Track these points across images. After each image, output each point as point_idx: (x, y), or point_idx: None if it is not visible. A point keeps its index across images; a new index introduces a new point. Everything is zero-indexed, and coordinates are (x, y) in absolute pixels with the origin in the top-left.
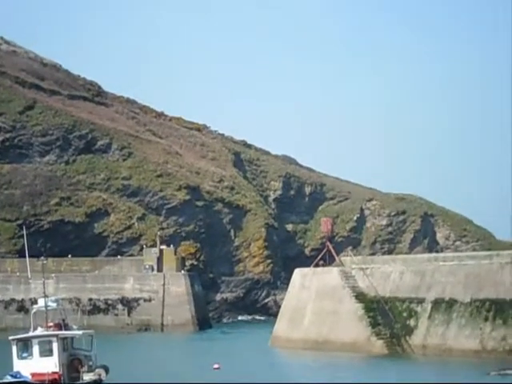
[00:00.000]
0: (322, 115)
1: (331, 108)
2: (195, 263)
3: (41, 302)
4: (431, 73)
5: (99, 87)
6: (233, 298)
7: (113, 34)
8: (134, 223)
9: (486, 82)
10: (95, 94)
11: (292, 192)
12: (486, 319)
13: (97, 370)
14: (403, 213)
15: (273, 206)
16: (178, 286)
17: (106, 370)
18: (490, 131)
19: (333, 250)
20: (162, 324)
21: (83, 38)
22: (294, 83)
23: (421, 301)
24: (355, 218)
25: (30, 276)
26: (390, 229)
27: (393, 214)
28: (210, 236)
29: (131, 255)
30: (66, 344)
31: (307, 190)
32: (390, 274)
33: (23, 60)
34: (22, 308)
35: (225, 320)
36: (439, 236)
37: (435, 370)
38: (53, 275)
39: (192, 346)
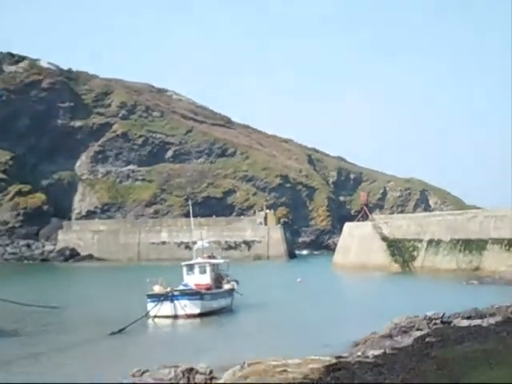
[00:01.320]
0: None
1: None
2: (286, 220)
3: (199, 243)
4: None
5: (229, 118)
6: (309, 240)
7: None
8: (249, 197)
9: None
10: (226, 122)
11: (342, 178)
12: (460, 251)
13: (231, 283)
14: (408, 189)
15: (331, 186)
16: (276, 233)
17: (237, 282)
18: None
19: (367, 212)
20: (268, 256)
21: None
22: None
23: (420, 240)
24: (380, 192)
25: (192, 228)
26: (401, 198)
27: (403, 189)
28: (295, 204)
29: (249, 216)
30: (214, 267)
31: (352, 176)
32: (402, 225)
33: (185, 104)
34: (187, 247)
35: (304, 253)
36: (431, 202)
37: (430, 280)
38: (205, 227)
39: (285, 268)
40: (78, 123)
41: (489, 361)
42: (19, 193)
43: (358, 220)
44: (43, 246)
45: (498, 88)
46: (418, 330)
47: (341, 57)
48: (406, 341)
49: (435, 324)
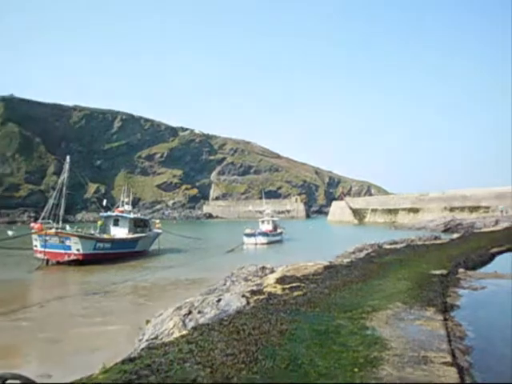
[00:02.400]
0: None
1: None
2: (305, 201)
3: (266, 211)
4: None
5: (278, 154)
6: (316, 209)
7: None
8: (288, 190)
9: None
10: (277, 156)
11: (331, 181)
12: (386, 214)
13: (281, 229)
14: (362, 185)
15: (326, 185)
16: (301, 207)
17: (284, 228)
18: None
19: (343, 197)
20: (297, 216)
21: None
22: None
23: (367, 209)
24: (348, 187)
25: (264, 203)
26: (358, 190)
27: (359, 186)
28: (309, 193)
29: (288, 199)
30: (273, 221)
31: (335, 179)
32: (359, 202)
33: (258, 147)
34: (260, 212)
35: (314, 216)
36: (373, 191)
37: (372, 228)
38: (268, 203)
39: (304, 222)
40: (211, 157)
41: (400, 263)
42: (186, 188)
43: (337, 200)
44: (197, 212)
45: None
46: (366, 250)
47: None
48: (361, 255)
49: (375, 247)
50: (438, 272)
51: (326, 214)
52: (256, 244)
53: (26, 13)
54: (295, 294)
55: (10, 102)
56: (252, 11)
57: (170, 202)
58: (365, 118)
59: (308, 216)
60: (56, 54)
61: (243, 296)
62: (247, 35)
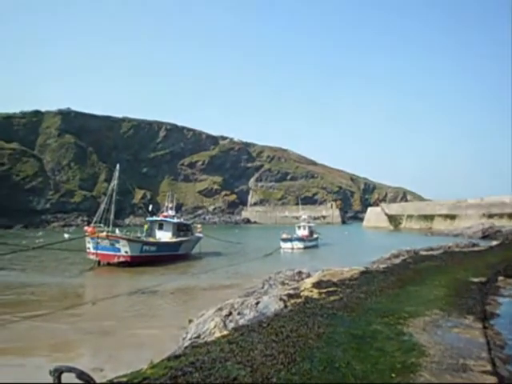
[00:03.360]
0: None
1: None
2: (341, 207)
3: (302, 216)
4: None
5: (314, 161)
6: (351, 215)
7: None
8: (324, 196)
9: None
10: (313, 162)
11: (366, 187)
12: (422, 220)
13: (317, 234)
14: (397, 192)
15: (361, 191)
16: (336, 212)
17: (320, 234)
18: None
19: (378, 202)
20: (332, 222)
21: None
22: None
23: (403, 215)
24: (384, 194)
25: (300, 208)
26: (393, 196)
27: (394, 192)
28: (345, 199)
29: (324, 204)
30: (309, 227)
31: (371, 186)
32: (394, 208)
33: (294, 154)
34: (296, 218)
35: (349, 222)
36: (408, 198)
37: (408, 234)
38: (304, 209)
39: (340, 228)
40: (249, 165)
41: (437, 270)
42: (225, 195)
43: (373, 206)
44: (235, 217)
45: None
46: (402, 256)
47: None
48: (397, 261)
49: (411, 253)
50: (476, 279)
51: (362, 219)
52: (292, 249)
53: (79, 36)
54: (332, 298)
55: (67, 115)
56: (294, 22)
57: (211, 208)
58: (400, 123)
59: (343, 222)
60: (106, 69)
61: (281, 299)
62: (284, 44)
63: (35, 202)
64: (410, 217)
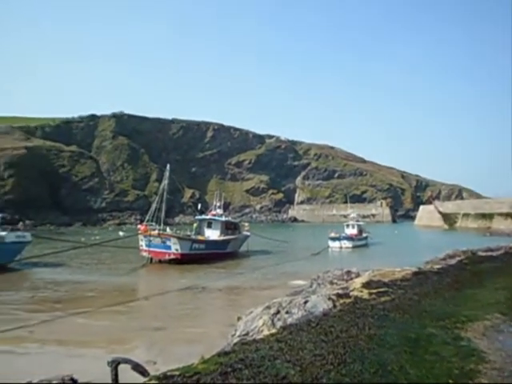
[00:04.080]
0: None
1: None
2: (391, 205)
3: (351, 215)
4: None
5: (363, 158)
6: (402, 213)
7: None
8: (373, 194)
9: None
10: (362, 160)
11: (419, 184)
12: (479, 218)
13: (366, 233)
14: (452, 189)
15: (413, 188)
16: (386, 211)
17: (369, 232)
18: None
19: (431, 200)
20: (382, 221)
21: None
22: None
23: (458, 213)
24: (437, 191)
25: (348, 206)
26: (448, 193)
27: (449, 189)
28: (395, 197)
29: (373, 203)
30: (358, 225)
31: (423, 183)
32: (449, 206)
33: (342, 151)
34: (344, 216)
35: (400, 220)
36: (464, 195)
37: (464, 233)
38: (353, 207)
39: (390, 227)
40: (296, 163)
41: (498, 272)
42: (272, 193)
43: (425, 204)
44: (282, 215)
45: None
46: (458, 256)
47: None
48: (453, 262)
49: (468, 254)
50: None
51: (413, 218)
52: (341, 248)
53: (131, 45)
54: (382, 299)
55: (120, 118)
56: (339, 20)
57: (258, 206)
58: (454, 119)
59: (394, 220)
60: (156, 73)
61: (329, 299)
62: (328, 41)
63: (92, 201)
64: (466, 215)
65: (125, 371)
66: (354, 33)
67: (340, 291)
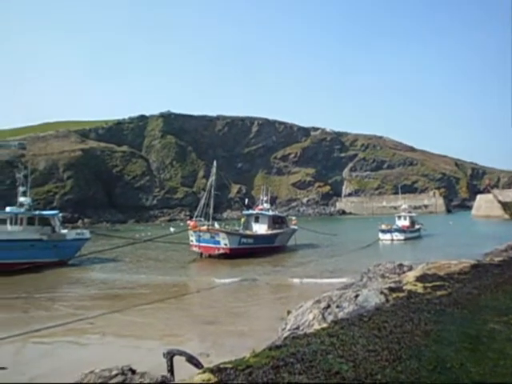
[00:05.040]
0: None
1: None
2: (445, 195)
3: (403, 206)
4: None
5: (412, 146)
6: (457, 203)
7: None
8: (425, 184)
9: None
10: (411, 148)
11: (475, 172)
12: None
13: (419, 225)
14: None
15: (468, 177)
16: (440, 201)
17: (422, 224)
18: None
19: (489, 189)
20: (436, 211)
21: None
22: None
23: None
24: (496, 179)
25: (399, 197)
26: (508, 181)
27: (509, 177)
28: (449, 186)
29: (425, 193)
30: (410, 217)
31: (480, 171)
32: (510, 195)
33: (390, 141)
34: (395, 208)
35: (455, 210)
36: None
37: None
38: (404, 198)
39: (444, 218)
40: (342, 154)
41: None
42: (319, 186)
43: (483, 192)
44: (330, 208)
45: None
46: None
47: None
48: None
49: None
50: None
51: (470, 208)
52: (392, 240)
53: (175, 44)
54: (438, 293)
55: (168, 117)
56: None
57: (305, 200)
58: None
59: (448, 211)
60: (199, 72)
61: (381, 293)
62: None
63: (144, 198)
64: None
65: (179, 363)
66: (399, 19)
67: (392, 285)
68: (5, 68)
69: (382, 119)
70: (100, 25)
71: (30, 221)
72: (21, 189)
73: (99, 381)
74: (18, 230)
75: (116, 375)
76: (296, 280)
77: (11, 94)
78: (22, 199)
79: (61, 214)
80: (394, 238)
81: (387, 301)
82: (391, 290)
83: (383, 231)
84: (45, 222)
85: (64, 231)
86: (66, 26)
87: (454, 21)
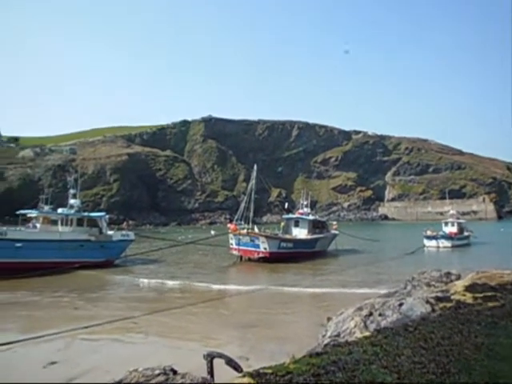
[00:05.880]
0: None
1: None
2: (495, 200)
3: (450, 212)
4: None
5: (461, 150)
6: (509, 209)
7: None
8: (474, 189)
9: None
10: (459, 152)
11: None
12: None
13: (468, 232)
14: None
15: None
16: (490, 207)
17: (472, 231)
18: None
19: None
20: (486, 218)
21: None
22: None
23: None
24: None
25: (447, 203)
26: None
27: None
28: (500, 192)
29: (474, 198)
30: (458, 223)
31: None
32: None
33: (434, 144)
34: (441, 213)
35: (504, 216)
36: None
37: None
38: (452, 204)
39: (494, 224)
40: (385, 158)
41: None
42: (360, 190)
43: None
44: (372, 213)
45: None
46: None
47: None
48: None
49: None
50: None
51: None
52: (438, 247)
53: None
54: (490, 304)
55: (209, 122)
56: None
57: (345, 204)
58: None
59: (499, 217)
60: (239, 77)
61: (427, 302)
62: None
63: (186, 202)
64: None
65: (219, 365)
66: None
67: (439, 294)
68: (57, 81)
69: (427, 122)
70: (142, 32)
71: (80, 222)
72: (71, 191)
73: (142, 379)
74: (68, 230)
75: (158, 374)
76: (334, 287)
77: (64, 102)
78: (72, 201)
79: (107, 216)
80: (440, 244)
81: (433, 310)
82: (438, 299)
83: (428, 237)
84: (93, 223)
85: (110, 232)
86: (111, 35)
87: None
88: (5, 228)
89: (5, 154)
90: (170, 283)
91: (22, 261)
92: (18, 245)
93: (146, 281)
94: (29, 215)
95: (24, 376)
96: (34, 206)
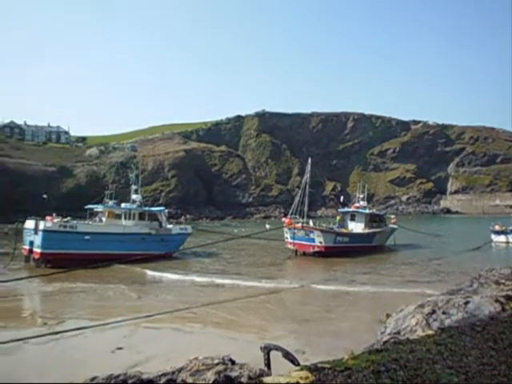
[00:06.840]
0: None
1: None
2: None
3: None
4: None
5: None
6: None
7: None
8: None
9: None
10: None
11: None
12: None
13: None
14: None
15: None
16: None
17: None
18: None
19: None
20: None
21: None
22: None
23: None
24: None
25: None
26: None
27: None
28: None
29: None
30: None
31: None
32: None
33: (504, 133)
34: (511, 207)
35: None
36: None
37: None
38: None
39: None
40: (447, 149)
41: None
42: (420, 183)
43: None
44: (433, 206)
45: None
46: None
47: None
48: None
49: None
50: None
51: None
52: (508, 243)
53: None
54: None
55: (263, 117)
56: None
57: (404, 197)
58: None
59: None
60: (294, 70)
61: (497, 301)
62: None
63: (241, 196)
64: None
65: (275, 358)
66: None
67: (510, 293)
68: (119, 83)
69: (493, 109)
70: (194, 34)
71: (141, 216)
72: (133, 187)
73: (202, 368)
74: (131, 224)
75: (218, 364)
76: (392, 284)
77: (125, 102)
78: (134, 196)
79: (166, 210)
80: (510, 240)
81: (503, 310)
82: (509, 298)
83: (497, 232)
84: (153, 217)
85: (169, 226)
86: (177, 39)
87: None
88: (75, 222)
89: (74, 152)
90: (225, 276)
91: (91, 252)
92: (87, 237)
93: (202, 273)
94: (95, 210)
95: (96, 359)
96: (100, 201)
